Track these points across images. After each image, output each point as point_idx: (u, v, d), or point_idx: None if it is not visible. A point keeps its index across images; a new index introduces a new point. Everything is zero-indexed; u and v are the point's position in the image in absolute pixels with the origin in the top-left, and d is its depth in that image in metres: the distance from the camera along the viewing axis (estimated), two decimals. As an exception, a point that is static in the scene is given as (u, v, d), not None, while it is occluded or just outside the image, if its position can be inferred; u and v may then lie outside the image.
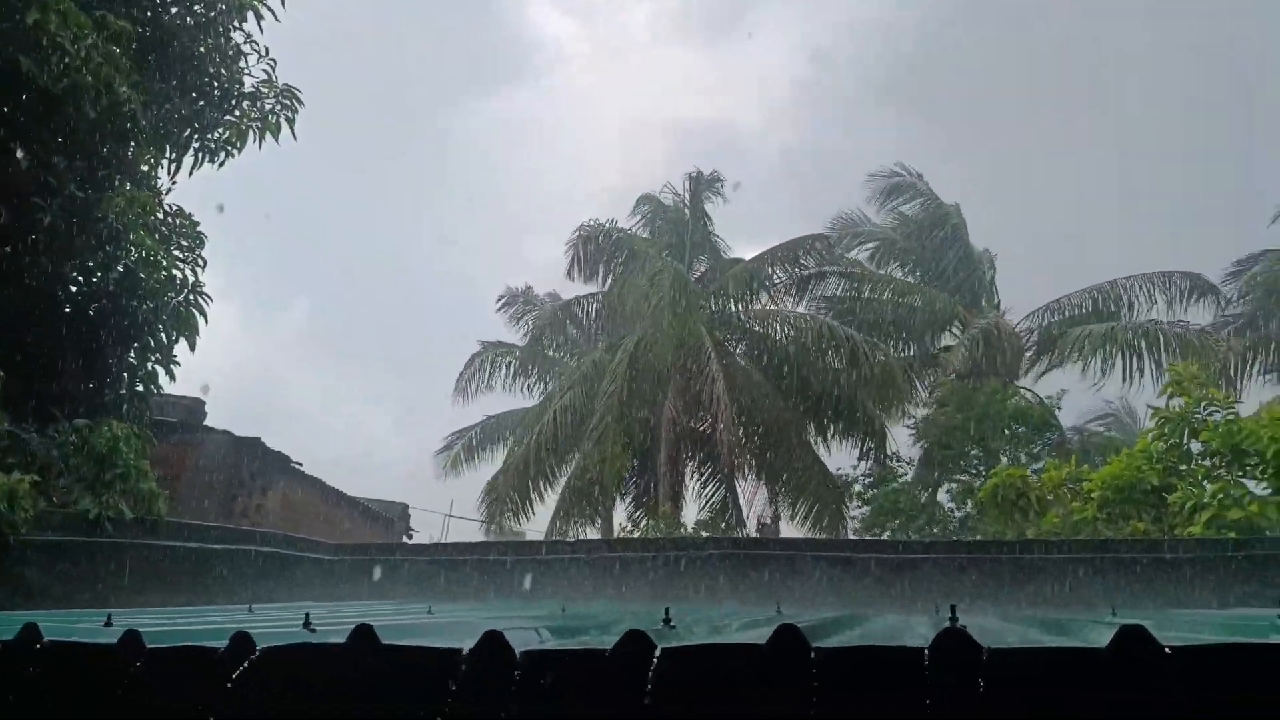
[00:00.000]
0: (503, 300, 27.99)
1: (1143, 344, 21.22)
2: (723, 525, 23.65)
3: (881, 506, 21.30)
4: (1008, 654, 1.81)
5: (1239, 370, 20.83)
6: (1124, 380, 21.52)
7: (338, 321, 56.88)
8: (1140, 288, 22.78)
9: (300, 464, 18.49)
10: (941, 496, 22.07)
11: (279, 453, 17.67)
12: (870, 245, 27.00)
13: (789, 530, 23.43)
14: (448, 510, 28.14)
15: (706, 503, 24.54)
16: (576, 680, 2.08)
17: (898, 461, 23.89)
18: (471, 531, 25.68)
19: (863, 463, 24.09)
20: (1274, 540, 6.62)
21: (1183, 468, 9.97)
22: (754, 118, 68.03)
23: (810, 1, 63.79)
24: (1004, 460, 19.19)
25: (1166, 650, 1.76)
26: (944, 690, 1.82)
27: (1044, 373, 23.76)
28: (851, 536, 22.47)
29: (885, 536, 20.26)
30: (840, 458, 24.36)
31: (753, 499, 24.94)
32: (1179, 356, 19.00)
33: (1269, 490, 8.97)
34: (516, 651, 2.15)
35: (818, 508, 22.81)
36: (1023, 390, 22.82)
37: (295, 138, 10.23)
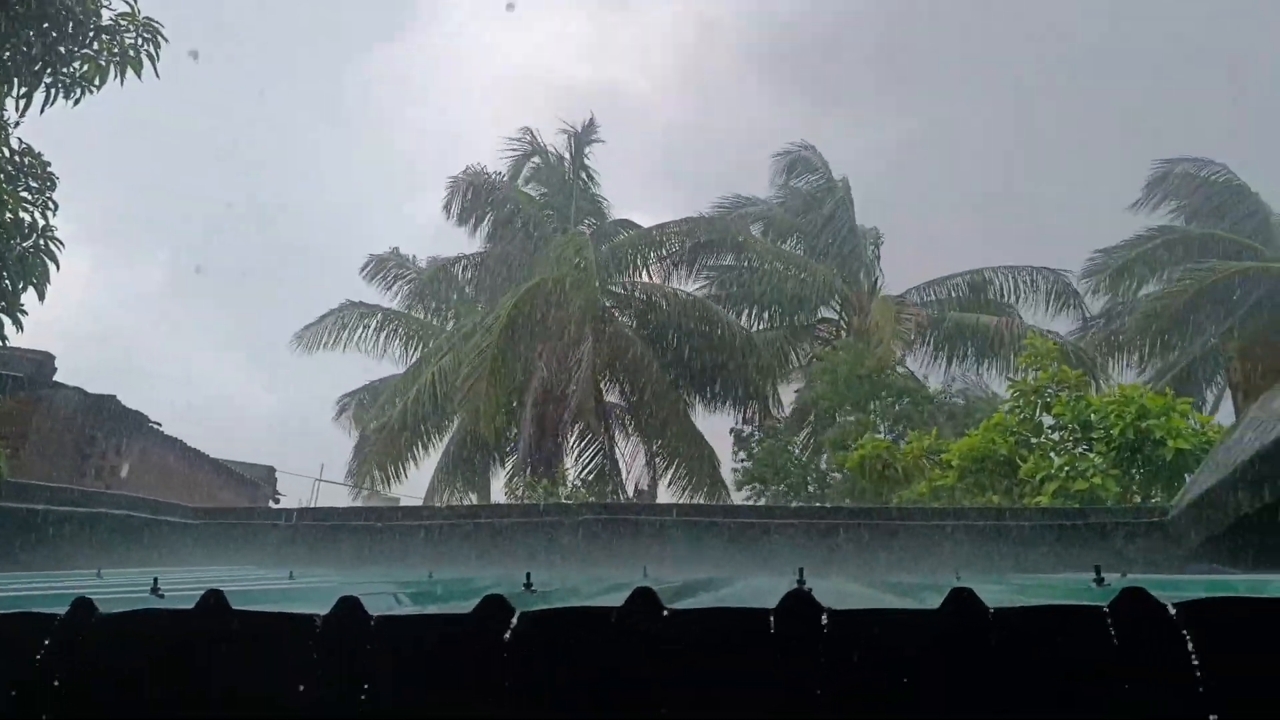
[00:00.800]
0: (368, 267, 26.65)
1: (1015, 337, 22.22)
2: (606, 490, 23.90)
3: (761, 463, 21.76)
4: (847, 615, 1.92)
5: (1101, 366, 22.16)
6: (987, 365, 22.65)
7: (205, 274, 54.40)
8: (1011, 279, 23.86)
9: (159, 424, 17.72)
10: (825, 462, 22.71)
11: (135, 411, 16.87)
12: (761, 220, 27.45)
13: (668, 496, 23.90)
14: (318, 474, 27.46)
15: (586, 467, 24.67)
16: (433, 645, 2.10)
17: (781, 423, 24.31)
18: (342, 496, 25.16)
19: (746, 426, 24.48)
20: (1112, 510, 7.13)
21: (1034, 440, 10.56)
22: (641, 82, 67.95)
23: None
24: (881, 429, 19.78)
25: (990, 612, 1.89)
26: (788, 650, 1.92)
27: (917, 349, 24.66)
28: (733, 502, 23.13)
29: (766, 497, 20.83)
30: (721, 424, 24.91)
31: (633, 464, 25.19)
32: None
33: (1110, 464, 9.61)
34: (373, 617, 2.15)
35: (695, 475, 23.30)
36: (896, 361, 23.57)
37: (158, 75, 9.69)
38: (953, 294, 23.93)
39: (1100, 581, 2.24)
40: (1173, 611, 1.82)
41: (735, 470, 22.90)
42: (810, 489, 20.77)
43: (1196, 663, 1.73)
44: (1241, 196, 25.50)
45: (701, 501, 23.21)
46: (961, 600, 1.92)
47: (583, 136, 25.50)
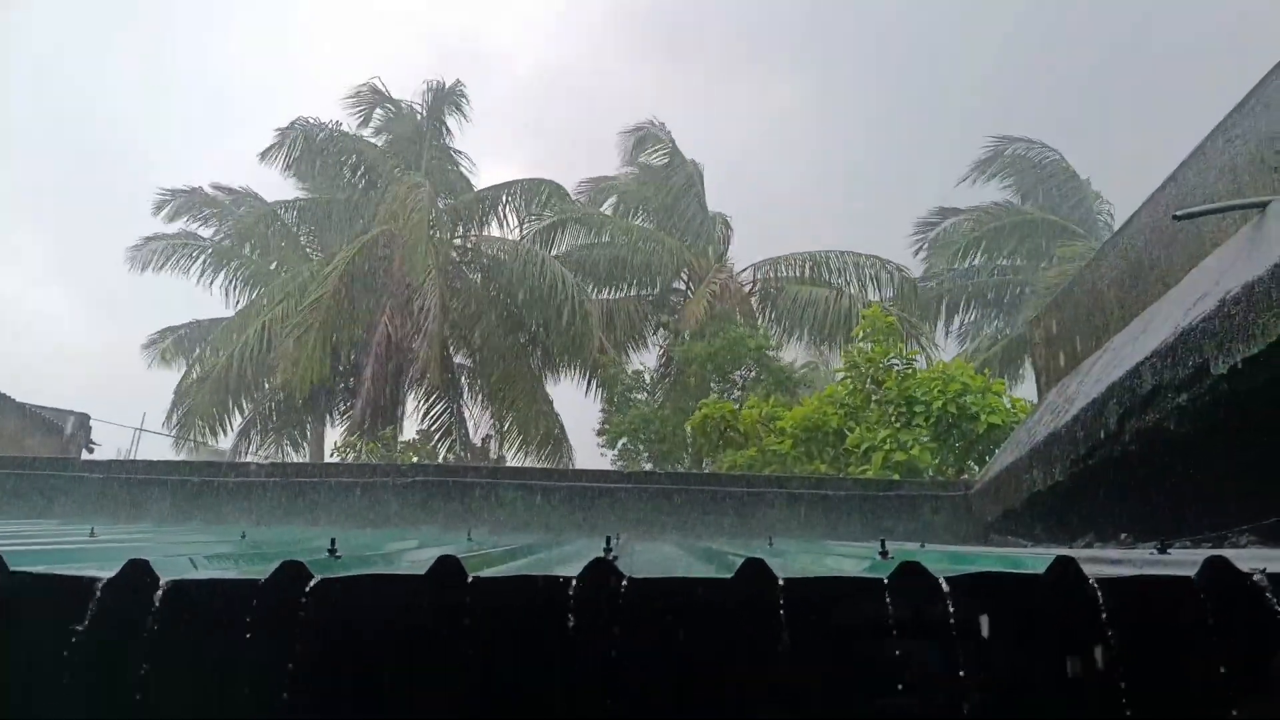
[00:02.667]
0: (171, 204, 24.69)
1: (854, 315, 23.01)
2: (448, 448, 23.58)
3: (619, 428, 21.84)
4: (644, 583, 1.99)
5: (932, 326, 23.33)
6: (832, 343, 23.46)
7: (20, 201, 50.02)
8: (859, 264, 24.64)
9: (-47, 363, 16.26)
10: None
11: (-77, 348, 15.44)
12: (614, 195, 27.46)
13: (514, 458, 23.84)
14: (138, 423, 25.92)
15: (432, 425, 24.27)
16: (223, 611, 2.04)
17: (642, 391, 24.35)
18: (164, 448, 23.85)
19: (601, 394, 24.42)
20: (921, 483, 7.58)
21: (862, 412, 11.12)
22: (506, 35, 66.62)
23: None
24: (735, 394, 20.15)
25: (780, 581, 2.01)
26: (586, 615, 1.98)
27: (763, 321, 25.28)
28: (576, 465, 23.25)
29: (629, 455, 20.97)
30: (571, 390, 24.91)
31: (480, 424, 24.94)
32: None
33: (930, 437, 10.26)
34: (162, 580, 2.07)
35: (539, 436, 23.32)
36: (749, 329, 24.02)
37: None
38: (796, 271, 24.54)
39: (885, 554, 2.40)
40: (945, 587, 1.97)
41: (602, 425, 22.85)
42: (669, 448, 21.04)
43: (955, 628, 1.89)
44: (1068, 180, 27.11)
45: (544, 463, 23.30)
46: (754, 570, 2.03)
47: (441, 96, 24.75)
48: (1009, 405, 10.59)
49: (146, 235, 23.97)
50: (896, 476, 9.71)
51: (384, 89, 25.13)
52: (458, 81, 25.34)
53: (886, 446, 10.06)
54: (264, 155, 23.78)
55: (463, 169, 25.33)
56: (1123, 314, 5.48)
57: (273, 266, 24.45)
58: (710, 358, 20.00)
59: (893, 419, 10.64)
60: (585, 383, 24.16)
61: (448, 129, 25.17)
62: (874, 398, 11.47)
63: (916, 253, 26.17)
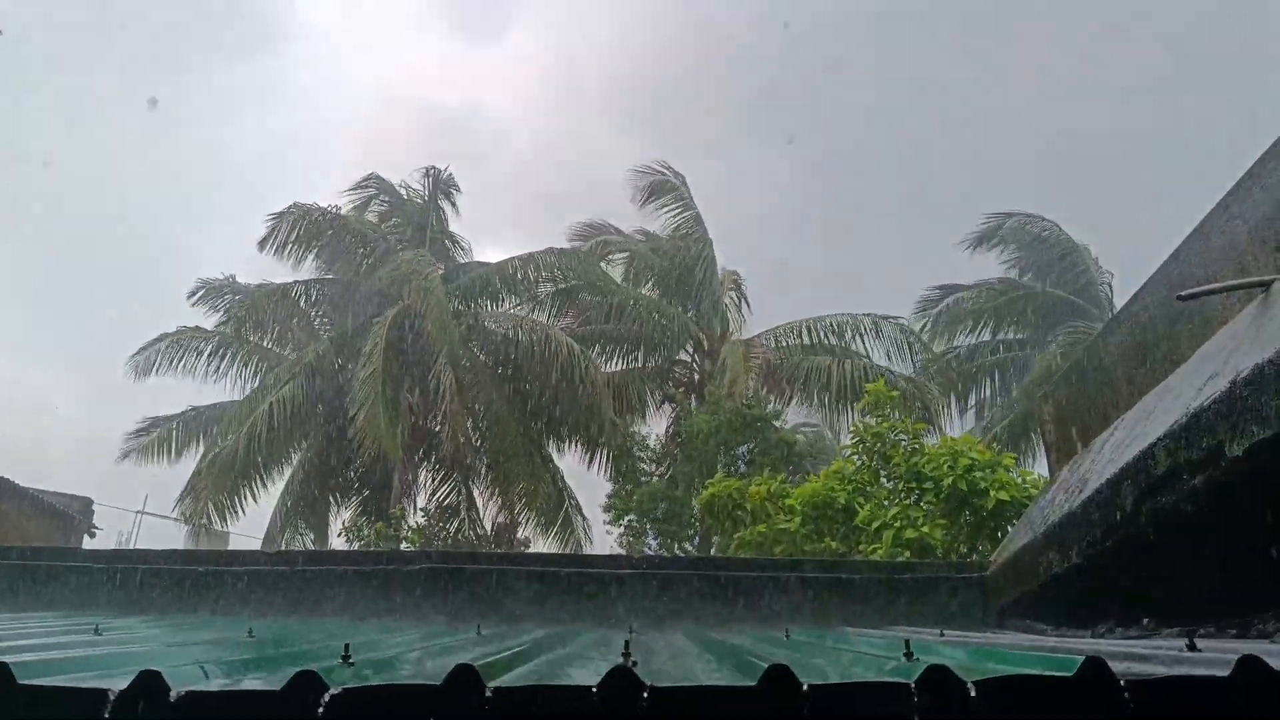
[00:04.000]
0: (198, 293, 25.13)
1: (858, 380, 22.95)
2: (457, 528, 23.37)
3: (638, 500, 21.64)
4: (666, 693, 1.95)
5: (941, 406, 23.21)
6: (838, 409, 23.40)
7: (25, 288, 50.56)
8: (859, 324, 24.69)
9: (-38, 446, 16.29)
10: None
11: (-65, 433, 15.46)
12: (621, 256, 27.51)
13: (524, 534, 23.62)
14: (140, 507, 25.76)
15: (441, 504, 24.11)
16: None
17: (650, 464, 24.10)
18: (168, 532, 23.67)
19: (609, 468, 24.30)
20: (936, 565, 7.49)
21: (871, 488, 11.02)
22: (506, 112, 68.04)
23: (567, 11, 65.09)
24: (741, 468, 19.89)
25: (804, 687, 1.96)
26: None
27: (777, 395, 25.17)
28: (589, 539, 23.01)
29: (635, 534, 20.70)
30: (575, 461, 24.74)
31: (489, 502, 24.68)
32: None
33: (940, 513, 10.14)
34: (174, 692, 2.04)
35: (549, 514, 23.14)
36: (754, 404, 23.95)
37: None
38: (803, 338, 24.58)
39: (909, 655, 2.36)
40: (973, 691, 1.93)
41: (609, 502, 22.70)
42: (679, 530, 20.86)
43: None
44: (1069, 251, 27.17)
45: (556, 540, 23.08)
46: (777, 676, 1.99)
47: (439, 181, 25.24)
48: (1019, 480, 10.49)
49: (152, 337, 24.10)
50: (908, 554, 9.59)
51: (386, 179, 25.58)
52: (448, 168, 25.67)
53: (897, 524, 9.95)
54: (262, 243, 23.97)
55: (463, 249, 25.58)
56: (1131, 391, 5.47)
57: (276, 347, 24.54)
58: (715, 432, 19.88)
59: (902, 495, 10.54)
60: (589, 455, 23.99)
61: (446, 211, 25.45)
62: (882, 473, 11.38)
63: (921, 328, 26.10)
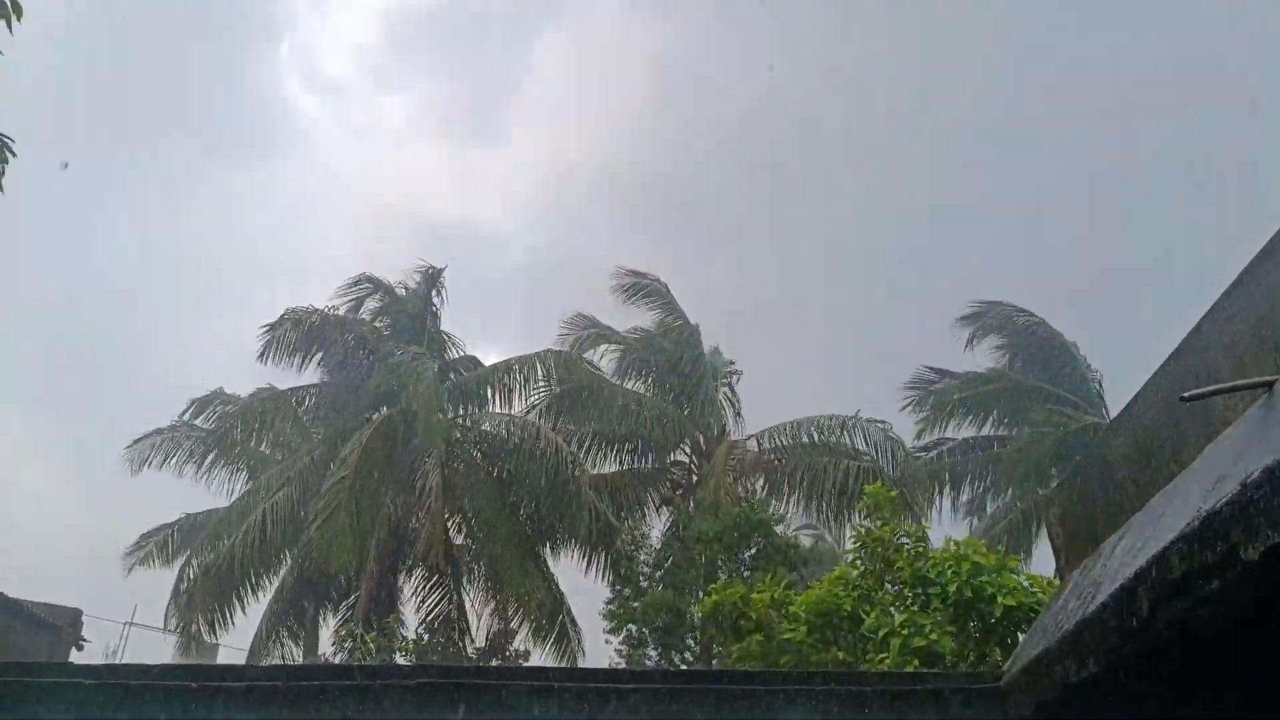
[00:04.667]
0: (188, 410, 25.13)
1: (854, 481, 22.73)
2: (450, 639, 22.81)
3: (629, 614, 21.14)
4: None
5: (929, 501, 23.03)
6: (835, 510, 23.18)
7: (17, 393, 50.52)
8: (853, 425, 24.61)
9: (-59, 553, 16.03)
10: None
11: (-74, 540, 15.24)
12: (614, 351, 27.55)
13: (519, 644, 23.01)
14: (129, 617, 25.22)
15: (431, 613, 23.58)
16: None
17: (646, 569, 23.74)
18: (157, 641, 23.12)
19: (607, 573, 24.00)
20: (948, 675, 7.34)
21: (876, 594, 10.80)
22: (500, 219, 69.40)
23: (559, 118, 67.07)
24: (744, 573, 19.60)
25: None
26: None
27: (774, 496, 24.96)
28: (582, 650, 22.46)
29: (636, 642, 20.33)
30: (570, 566, 24.26)
31: (482, 610, 24.09)
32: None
33: (947, 620, 9.91)
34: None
35: (545, 623, 22.65)
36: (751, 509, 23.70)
37: (3, 190, 9.20)
38: (800, 437, 24.48)
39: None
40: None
41: (608, 612, 22.33)
42: (678, 639, 20.43)
43: None
44: (1059, 349, 27.17)
45: (552, 650, 22.51)
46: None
47: (434, 280, 25.50)
48: (1025, 584, 10.30)
49: (145, 432, 24.00)
50: (916, 663, 9.36)
51: (380, 278, 25.75)
52: (444, 268, 25.90)
53: (904, 632, 9.73)
54: (261, 356, 24.06)
55: (457, 348, 25.64)
56: (1139, 493, 5.41)
57: (269, 450, 24.36)
58: (718, 537, 19.60)
59: (908, 601, 10.34)
60: (586, 560, 23.73)
61: (440, 310, 25.61)
62: (886, 578, 11.18)
63: (908, 407, 25.92)
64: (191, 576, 22.37)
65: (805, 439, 24.30)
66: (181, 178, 62.00)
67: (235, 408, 24.10)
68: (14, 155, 9.09)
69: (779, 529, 20.85)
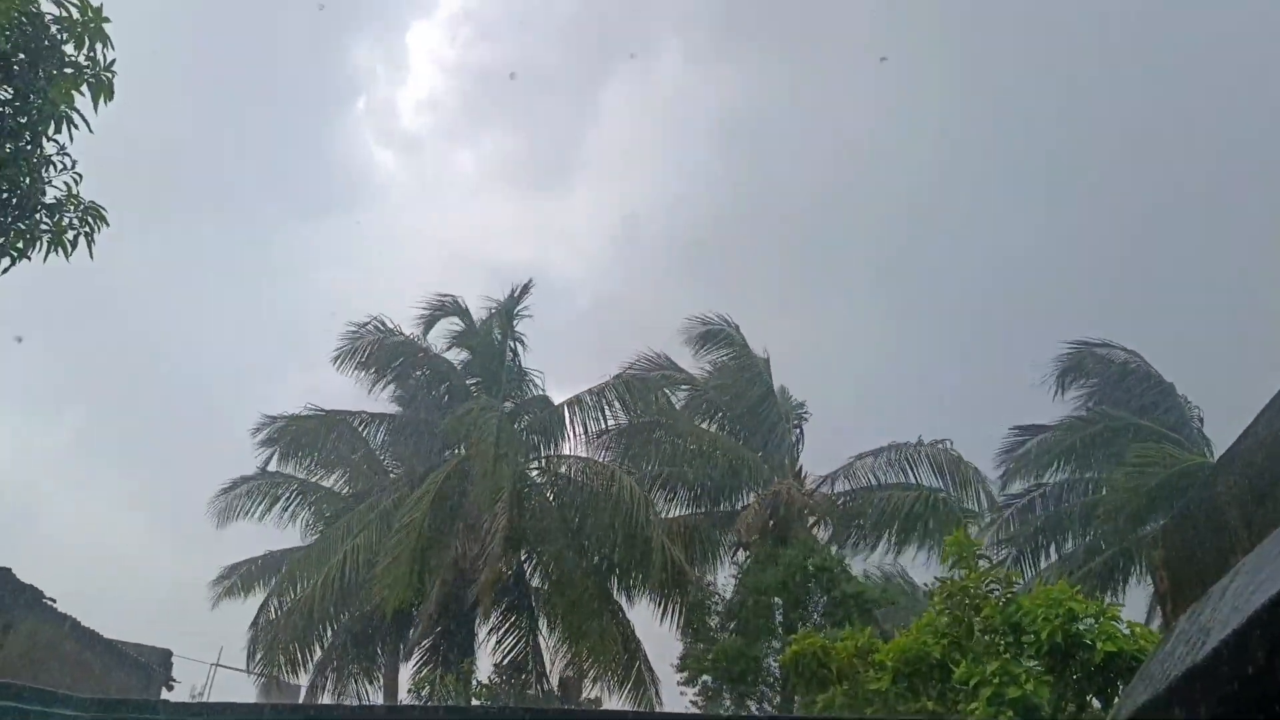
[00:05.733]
0: (262, 430, 25.24)
1: (930, 520, 22.54)
2: (524, 681, 22.90)
3: (701, 663, 21.03)
4: None
5: (1026, 554, 22.08)
6: (916, 549, 22.82)
7: (112, 442, 52.55)
8: (933, 456, 24.04)
9: (53, 599, 16.72)
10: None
11: (30, 585, 15.92)
12: (682, 391, 27.36)
13: (592, 688, 22.87)
14: (215, 658, 25.78)
15: (507, 655, 23.47)
16: None
17: (718, 616, 23.54)
18: (240, 682, 23.57)
19: (679, 618, 23.63)
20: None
21: (965, 642, 10.44)
22: (567, 265, 70.37)
23: (626, 169, 68.11)
24: (817, 619, 19.64)
25: None
26: None
27: (845, 537, 24.50)
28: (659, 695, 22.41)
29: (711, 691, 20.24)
30: (649, 617, 24.02)
31: (556, 654, 23.95)
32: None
33: (1044, 668, 9.52)
34: None
35: (620, 667, 22.42)
36: (822, 550, 23.32)
37: (92, 257, 9.60)
38: (874, 475, 24.18)
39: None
40: None
41: (682, 662, 22.07)
42: (759, 688, 20.22)
43: None
44: (1155, 385, 25.99)
45: (627, 698, 22.31)
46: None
47: (510, 305, 25.60)
48: (1126, 631, 9.84)
49: (231, 480, 24.51)
50: (1010, 714, 9.01)
51: (459, 301, 25.92)
52: (525, 287, 25.91)
53: (996, 681, 9.36)
54: (336, 359, 24.24)
55: (536, 385, 25.72)
56: (1250, 534, 5.12)
57: (349, 489, 24.69)
58: (783, 586, 19.16)
59: (1000, 649, 9.95)
60: (661, 608, 23.37)
61: (520, 343, 25.70)
62: (977, 627, 10.79)
63: (1001, 472, 25.35)
64: (273, 617, 22.71)
65: (873, 477, 24.05)
66: (268, 236, 64.32)
67: (303, 426, 24.31)
68: (107, 224, 9.47)
69: (850, 571, 20.44)
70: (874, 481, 24.37)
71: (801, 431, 27.17)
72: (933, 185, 57.76)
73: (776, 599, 21.30)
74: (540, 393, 25.93)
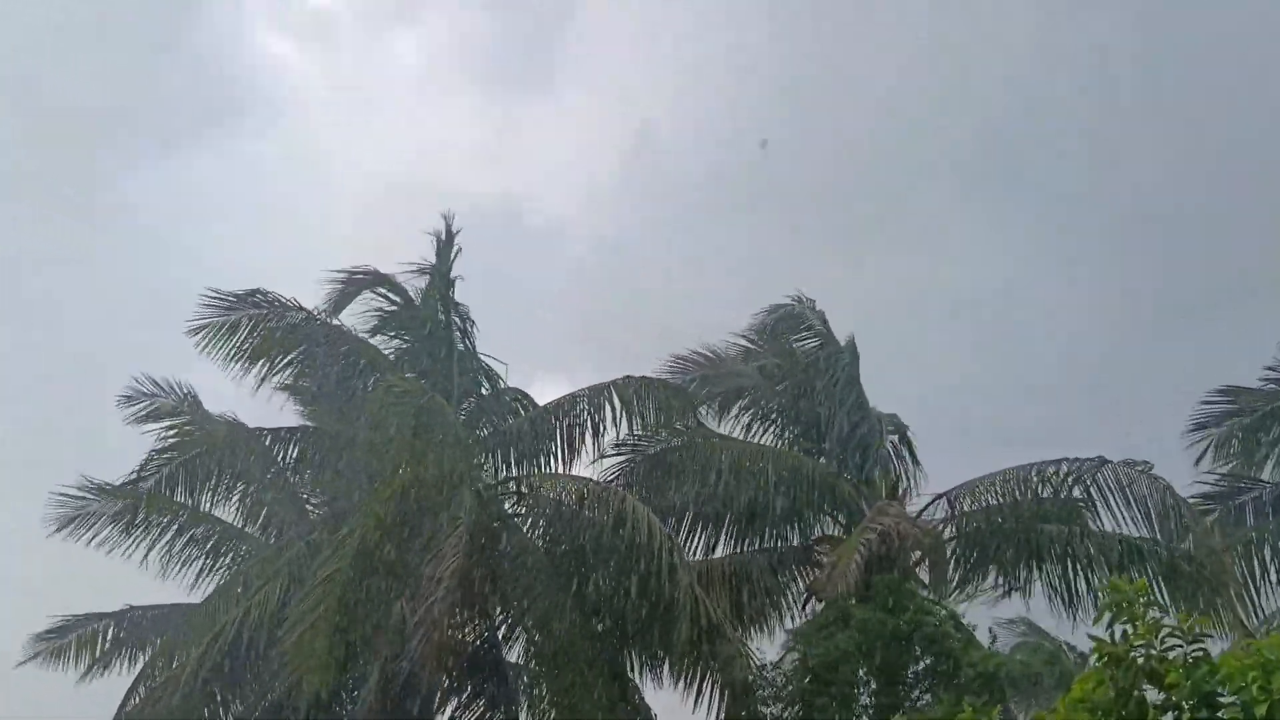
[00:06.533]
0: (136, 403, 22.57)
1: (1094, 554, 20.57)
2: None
3: None
4: None
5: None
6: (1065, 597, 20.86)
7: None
8: (1094, 476, 21.14)
9: None
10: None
11: None
12: (739, 399, 24.71)
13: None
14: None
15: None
16: None
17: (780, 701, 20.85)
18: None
19: (722, 703, 20.79)
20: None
21: (1137, 720, 7.87)
22: (555, 204, 62.44)
23: (638, 56, 57.03)
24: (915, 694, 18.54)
25: None
26: None
27: (965, 584, 21.90)
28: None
29: None
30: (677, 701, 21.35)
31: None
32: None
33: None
34: None
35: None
36: (929, 602, 20.57)
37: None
38: (1003, 497, 21.23)
39: None
40: None
41: None
42: None
43: None
44: None
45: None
46: None
47: (444, 262, 22.40)
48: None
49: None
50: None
51: (385, 274, 23.02)
52: (452, 232, 22.73)
53: (1189, 774, 8.32)
54: (200, 346, 20.99)
55: (498, 378, 22.81)
56: None
57: (251, 528, 22.48)
58: (865, 655, 18.04)
59: (1190, 729, 8.15)
60: (694, 685, 20.45)
61: (469, 321, 22.67)
62: (1150, 693, 8.07)
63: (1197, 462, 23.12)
64: (138, 700, 20.56)
65: (1014, 497, 21.06)
66: (112, 179, 55.06)
67: (197, 432, 21.61)
68: None
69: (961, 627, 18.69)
70: (1017, 507, 21.24)
71: (904, 440, 23.91)
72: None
73: (862, 670, 19.31)
74: (510, 385, 22.85)
